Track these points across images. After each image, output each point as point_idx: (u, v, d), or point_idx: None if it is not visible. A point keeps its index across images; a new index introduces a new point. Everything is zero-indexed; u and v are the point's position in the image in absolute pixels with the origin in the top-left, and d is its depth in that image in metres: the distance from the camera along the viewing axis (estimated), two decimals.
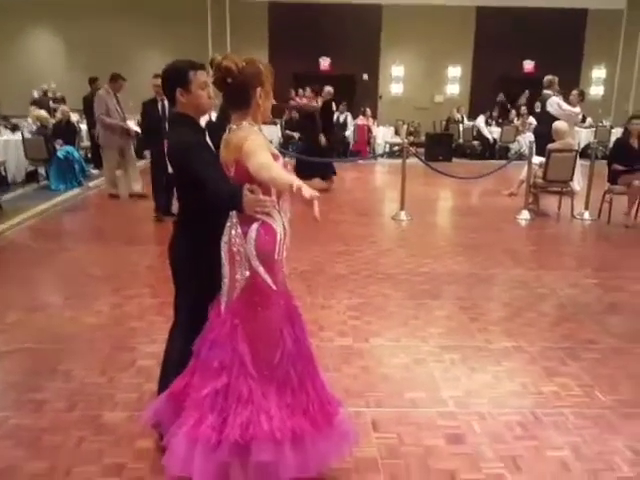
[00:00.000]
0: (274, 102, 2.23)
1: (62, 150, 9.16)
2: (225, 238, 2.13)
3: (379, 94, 16.77)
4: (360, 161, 12.70)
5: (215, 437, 2.01)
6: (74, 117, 11.17)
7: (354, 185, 10.42)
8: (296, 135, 13.38)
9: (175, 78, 2.27)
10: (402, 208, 7.25)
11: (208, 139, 2.31)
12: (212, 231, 2.18)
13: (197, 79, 2.25)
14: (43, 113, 9.95)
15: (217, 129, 2.32)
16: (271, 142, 11.93)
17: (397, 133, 14.73)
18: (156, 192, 6.88)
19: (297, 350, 2.18)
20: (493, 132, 14.32)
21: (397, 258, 5.56)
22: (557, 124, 7.62)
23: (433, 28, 15.53)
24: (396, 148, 11.88)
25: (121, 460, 2.43)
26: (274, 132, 13.43)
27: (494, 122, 14.99)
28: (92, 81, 10.58)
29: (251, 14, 15.59)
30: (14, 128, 10.54)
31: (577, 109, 8.69)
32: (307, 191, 1.71)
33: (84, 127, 11.28)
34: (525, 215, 7.29)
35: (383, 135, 14.49)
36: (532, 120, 11.99)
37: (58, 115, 10.31)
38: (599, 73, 16.65)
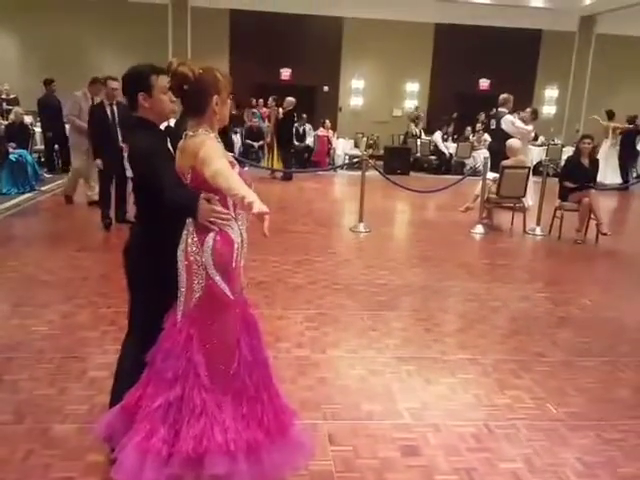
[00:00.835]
0: (234, 111, 2.22)
1: (15, 153, 8.88)
2: (182, 247, 2.10)
3: (339, 106, 16.93)
4: (320, 172, 12.75)
5: (166, 450, 1.97)
6: (27, 119, 10.83)
7: (314, 196, 10.44)
8: (256, 144, 13.35)
9: (137, 82, 2.25)
10: (361, 220, 7.31)
11: (169, 145, 2.29)
12: (169, 238, 2.15)
13: (159, 84, 2.24)
14: None
15: (175, 135, 2.29)
16: (232, 152, 11.96)
17: (356, 145, 14.89)
18: (104, 200, 6.72)
19: (253, 359, 2.16)
20: (449, 147, 14.64)
21: (355, 269, 5.59)
22: (510, 142, 7.84)
23: (393, 43, 15.81)
24: (355, 160, 11.99)
25: (70, 474, 2.35)
26: (234, 141, 13.34)
27: (450, 138, 15.34)
28: (47, 83, 10.29)
29: (213, 21, 15.50)
30: None
31: (530, 127, 8.99)
32: (257, 206, 1.73)
33: (38, 130, 10.94)
34: (479, 229, 7.46)
35: (343, 147, 14.61)
36: (487, 137, 12.32)
37: (11, 117, 9.97)
38: (551, 92, 17.32)
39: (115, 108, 6.53)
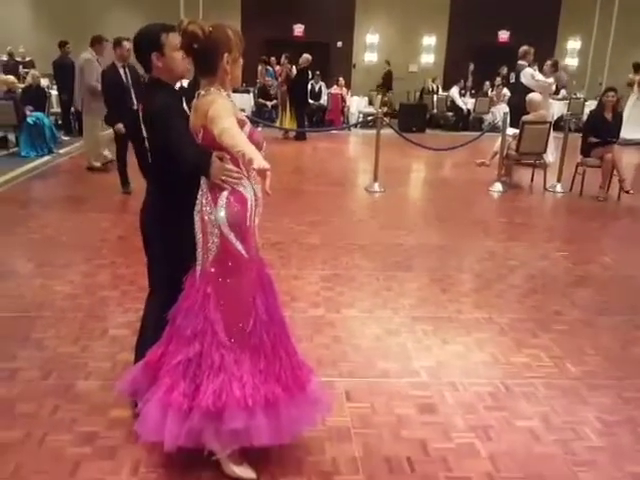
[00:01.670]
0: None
1: (32, 116, 8.85)
2: (197, 207, 2.11)
3: (353, 63, 16.56)
4: (333, 131, 12.56)
5: (187, 404, 2.02)
6: (44, 82, 10.75)
7: (328, 155, 10.32)
8: (269, 103, 13.16)
9: (149, 42, 2.23)
10: (375, 179, 7.20)
11: (185, 105, 2.27)
12: (185, 198, 2.14)
13: (170, 41, 2.20)
14: (11, 78, 9.54)
15: (189, 96, 2.25)
16: (243, 111, 11.84)
17: (371, 103, 14.61)
18: (122, 164, 6.63)
19: (269, 317, 2.18)
20: (467, 103, 14.29)
21: (370, 229, 5.54)
22: (531, 96, 7.61)
23: None
24: (370, 118, 11.77)
25: (94, 429, 2.40)
26: (247, 101, 13.17)
27: (468, 93, 14.96)
28: (62, 45, 10.16)
29: None
30: None
31: (550, 80, 8.68)
32: (258, 163, 1.71)
33: (54, 93, 10.87)
34: (498, 187, 7.32)
35: (357, 105, 14.35)
36: (506, 91, 11.99)
37: (28, 80, 9.90)
38: (574, 44, 16.73)
39: (128, 70, 6.42)
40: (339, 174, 8.39)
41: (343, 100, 13.83)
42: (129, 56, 6.31)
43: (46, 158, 8.61)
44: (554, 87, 9.36)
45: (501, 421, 2.55)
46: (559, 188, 7.37)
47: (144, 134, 2.24)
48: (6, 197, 6.45)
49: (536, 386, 2.85)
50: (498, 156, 7.54)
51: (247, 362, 2.10)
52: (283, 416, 2.09)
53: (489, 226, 5.82)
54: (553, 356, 3.16)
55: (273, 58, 13.98)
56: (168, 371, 2.09)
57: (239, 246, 2.08)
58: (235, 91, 12.13)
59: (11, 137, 9.18)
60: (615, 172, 6.90)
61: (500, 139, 7.51)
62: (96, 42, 7.66)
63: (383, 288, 4.06)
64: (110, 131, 6.73)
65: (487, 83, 14.73)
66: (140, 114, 2.23)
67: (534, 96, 7.59)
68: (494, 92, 14.16)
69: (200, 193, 2.11)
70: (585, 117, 9.24)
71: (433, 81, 15.24)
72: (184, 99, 2.30)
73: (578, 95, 14.64)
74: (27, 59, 13.01)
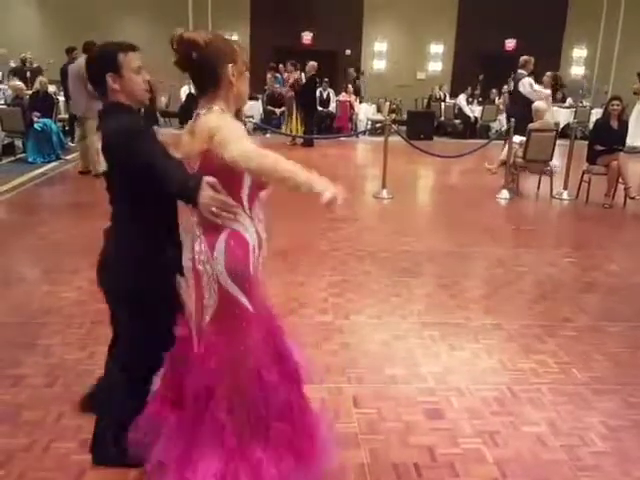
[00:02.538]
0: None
1: (39, 122, 8.96)
2: (188, 255, 1.83)
3: (361, 70, 16.63)
4: (342, 138, 12.62)
5: None
6: (51, 88, 10.87)
7: (336, 162, 10.36)
8: (277, 110, 13.24)
9: (104, 63, 1.98)
10: (384, 186, 7.24)
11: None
12: (154, 241, 1.95)
13: (128, 62, 1.97)
14: (19, 84, 9.66)
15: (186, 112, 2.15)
16: (252, 117, 11.84)
17: (379, 110, 14.66)
18: None
19: (278, 382, 1.89)
20: (474, 111, 14.32)
21: (378, 236, 5.57)
22: (537, 104, 7.63)
23: (416, 3, 15.39)
24: (378, 125, 11.82)
25: None
26: (255, 107, 13.26)
27: (475, 101, 14.99)
28: (69, 51, 10.24)
29: None
30: None
31: (548, 91, 8.74)
32: (326, 192, 1.50)
33: (61, 99, 10.99)
34: (505, 194, 7.34)
35: (365, 112, 14.41)
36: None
37: (36, 86, 10.02)
38: (580, 53, 16.72)
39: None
40: (347, 180, 8.41)
41: (351, 107, 13.90)
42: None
43: (53, 164, 8.71)
44: (550, 99, 9.39)
45: (508, 426, 2.57)
46: (565, 195, 7.37)
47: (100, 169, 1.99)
48: (13, 203, 6.54)
49: (543, 392, 2.87)
50: (504, 164, 7.56)
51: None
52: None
53: (497, 233, 5.83)
54: (560, 362, 3.18)
55: (281, 65, 14.09)
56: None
57: (243, 299, 1.78)
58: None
59: (18, 143, 9.29)
60: (621, 179, 6.91)
61: (507, 147, 7.54)
62: (87, 48, 7.71)
63: (392, 294, 4.08)
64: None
65: (494, 91, 14.76)
66: (99, 144, 1.97)
67: (540, 104, 7.62)
68: (501, 99, 14.18)
69: (191, 237, 1.83)
70: (591, 125, 9.23)
71: (440, 89, 15.28)
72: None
73: (584, 103, 14.63)
74: (35, 65, 13.14)
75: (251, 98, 13.36)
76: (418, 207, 7.48)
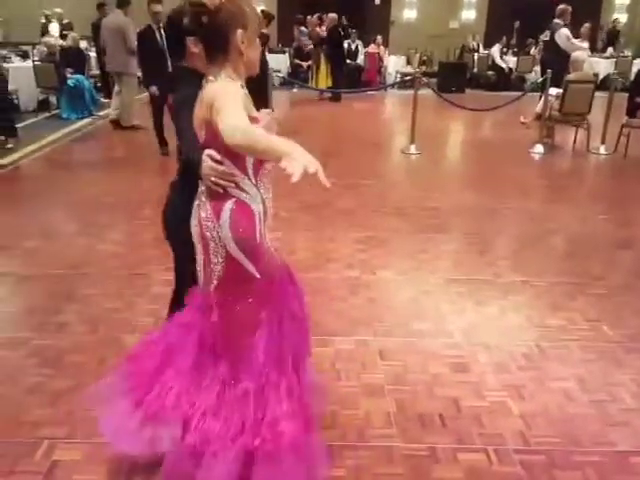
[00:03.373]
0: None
1: (72, 79, 9.02)
2: (194, 221, 1.83)
3: (391, 20, 16.12)
4: (370, 92, 12.36)
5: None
6: (82, 44, 10.86)
7: (364, 117, 10.19)
8: (304, 64, 13.00)
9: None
10: (412, 141, 7.10)
11: None
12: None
13: None
14: (51, 40, 9.68)
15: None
16: (279, 72, 11.67)
17: (409, 62, 14.28)
18: (158, 127, 6.71)
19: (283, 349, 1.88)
20: (509, 62, 13.82)
21: (406, 192, 5.51)
22: (576, 54, 7.30)
23: None
24: (408, 78, 11.51)
25: None
26: (282, 61, 13.04)
27: (510, 51, 14.45)
28: (100, 6, 10.19)
29: None
30: (24, 55, 10.34)
31: (585, 44, 8.38)
32: (310, 166, 1.40)
33: (93, 55, 10.98)
34: (539, 149, 7.14)
35: (394, 64, 14.05)
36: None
37: (68, 42, 10.02)
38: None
39: (163, 32, 6.44)
40: (375, 136, 8.30)
41: (380, 59, 13.55)
42: (161, 19, 6.35)
43: (86, 120, 8.80)
44: (588, 52, 8.99)
45: (535, 381, 2.57)
46: (603, 150, 7.13)
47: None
48: (48, 159, 6.65)
49: (571, 348, 2.84)
50: (540, 117, 7.32)
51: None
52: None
53: (529, 188, 5.70)
54: (590, 319, 3.13)
55: (309, 17, 13.74)
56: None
57: (250, 267, 1.79)
58: (271, 51, 12.02)
59: (52, 99, 9.37)
60: None
61: (542, 99, 7.28)
62: (125, 3, 7.73)
63: (418, 250, 4.05)
64: (142, 95, 6.83)
65: (530, 40, 14.17)
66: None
67: (578, 54, 7.28)
68: (537, 50, 13.63)
69: (197, 203, 1.82)
70: (632, 76, 8.82)
71: (474, 38, 14.75)
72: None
73: (626, 53, 13.96)
74: (65, 21, 13.09)
75: (278, 52, 13.15)
76: (447, 163, 7.34)
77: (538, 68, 12.70)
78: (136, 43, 7.15)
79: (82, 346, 2.79)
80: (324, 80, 11.89)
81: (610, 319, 3.14)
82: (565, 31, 8.07)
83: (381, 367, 2.65)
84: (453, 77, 12.85)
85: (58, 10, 13.11)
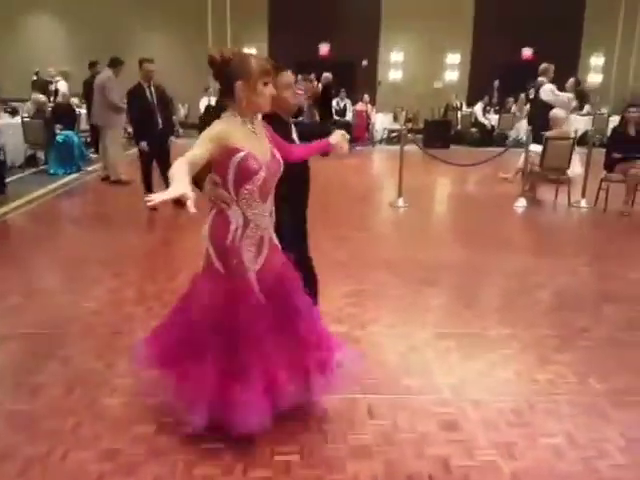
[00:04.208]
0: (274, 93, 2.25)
1: (61, 134, 9.15)
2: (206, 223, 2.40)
3: (378, 80, 16.69)
4: (358, 147, 12.65)
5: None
6: (75, 100, 11.09)
7: (352, 171, 10.38)
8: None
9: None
10: (400, 195, 7.24)
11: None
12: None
13: (280, 81, 2.53)
14: (41, 97, 9.87)
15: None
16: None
17: (396, 119, 14.69)
18: (146, 181, 6.82)
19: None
20: (491, 119, 14.27)
21: (394, 245, 5.57)
22: (555, 112, 7.60)
23: (433, 13, 15.42)
24: (394, 134, 11.83)
25: (117, 445, 2.43)
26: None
27: (492, 109, 14.94)
28: (92, 65, 10.46)
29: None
30: (13, 112, 10.50)
31: (571, 95, 8.70)
32: (168, 194, 1.81)
33: (83, 111, 11.19)
34: (522, 203, 7.30)
35: (382, 121, 14.43)
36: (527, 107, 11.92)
37: (58, 99, 10.24)
38: (597, 60, 16.60)
39: (154, 90, 6.64)
40: (364, 189, 8.45)
41: (368, 117, 13.93)
42: (153, 77, 6.60)
43: (74, 175, 8.87)
44: (574, 103, 9.35)
45: (525, 438, 2.55)
46: (583, 203, 7.31)
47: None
48: (35, 214, 6.66)
49: (560, 403, 2.84)
50: (520, 173, 7.52)
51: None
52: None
53: (514, 242, 5.80)
54: (577, 373, 3.14)
55: (300, 76, 14.18)
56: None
57: (216, 262, 2.31)
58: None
59: (40, 155, 9.48)
60: (639, 187, 6.83)
61: (523, 155, 7.50)
62: (117, 63, 8.10)
63: (407, 304, 4.08)
64: (130, 152, 7.01)
65: (510, 99, 14.69)
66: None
67: (557, 112, 7.58)
68: (517, 107, 14.10)
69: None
70: (609, 133, 9.14)
71: (457, 97, 15.26)
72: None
73: (602, 111, 14.49)
74: (57, 79, 13.37)
75: None
76: (434, 216, 7.46)
77: (519, 125, 13.13)
78: (117, 99, 7.76)
79: (57, 410, 2.68)
80: None
81: (597, 372, 3.14)
82: (550, 86, 8.41)
83: (369, 426, 2.62)
84: (438, 134, 13.21)
85: (65, 69, 13.43)
